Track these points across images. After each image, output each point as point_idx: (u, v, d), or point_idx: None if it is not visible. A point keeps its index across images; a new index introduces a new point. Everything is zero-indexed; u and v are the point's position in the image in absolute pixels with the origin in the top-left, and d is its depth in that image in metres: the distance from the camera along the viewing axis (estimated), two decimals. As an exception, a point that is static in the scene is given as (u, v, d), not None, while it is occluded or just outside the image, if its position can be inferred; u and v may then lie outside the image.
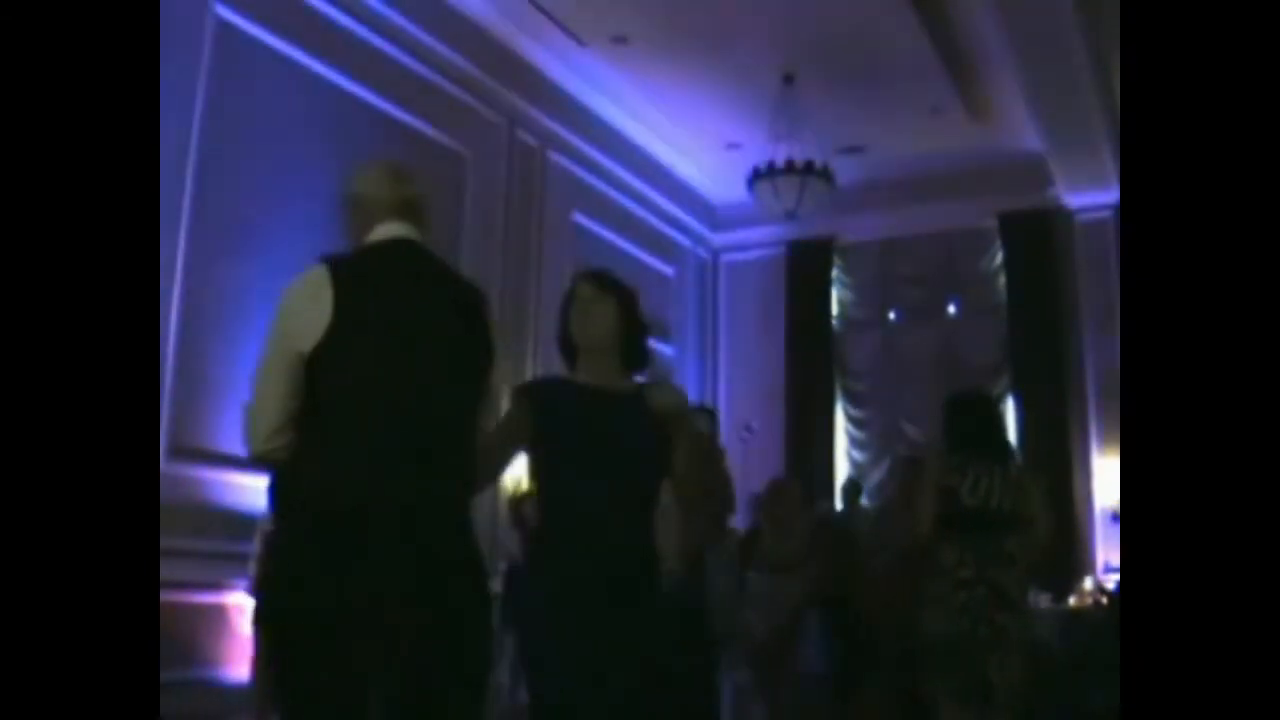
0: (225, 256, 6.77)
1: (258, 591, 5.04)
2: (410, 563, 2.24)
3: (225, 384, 6.37)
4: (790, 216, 10.32)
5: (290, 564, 2.28)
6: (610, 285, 3.15)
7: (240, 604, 6.30)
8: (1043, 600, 9.20)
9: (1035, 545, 4.35)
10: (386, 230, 2.52)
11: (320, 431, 2.31)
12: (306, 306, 2.32)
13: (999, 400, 11.74)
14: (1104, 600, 9.31)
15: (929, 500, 4.31)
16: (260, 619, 3.52)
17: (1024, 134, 10.66)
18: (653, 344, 10.53)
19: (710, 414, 6.74)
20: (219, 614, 6.42)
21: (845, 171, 10.71)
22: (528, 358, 9.72)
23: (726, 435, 10.24)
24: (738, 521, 6.77)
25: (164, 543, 5.79)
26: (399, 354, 2.35)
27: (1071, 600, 9.74)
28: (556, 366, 9.47)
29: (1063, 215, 11.71)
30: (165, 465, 6.28)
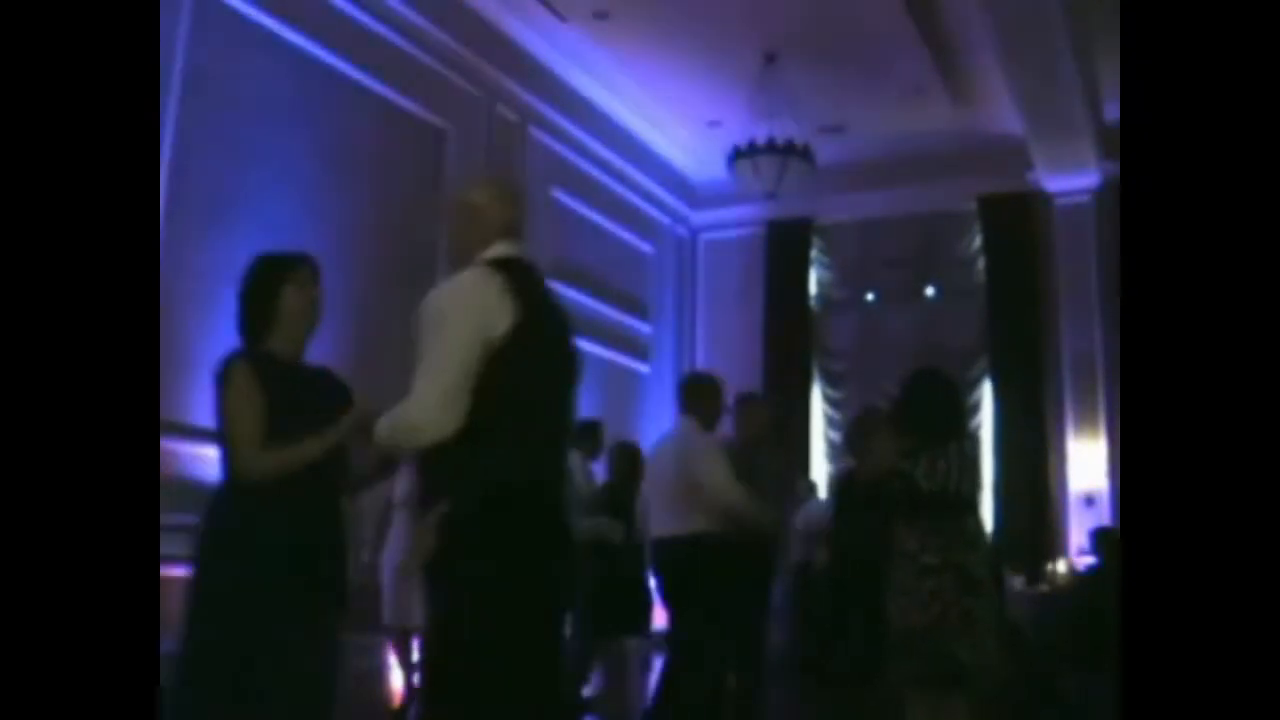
0: (204, 230, 6.72)
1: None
2: (559, 535, 2.67)
3: (207, 359, 6.31)
4: (770, 196, 10.31)
5: (485, 538, 2.52)
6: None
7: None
8: (1016, 583, 9.27)
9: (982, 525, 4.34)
10: (508, 248, 2.74)
11: (495, 421, 2.53)
12: (495, 305, 2.53)
13: (976, 382, 11.80)
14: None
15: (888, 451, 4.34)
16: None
17: (1004, 117, 10.67)
18: (631, 322, 10.51)
19: None
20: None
21: (826, 152, 10.70)
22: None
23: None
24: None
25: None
26: (547, 360, 2.66)
27: (1044, 585, 9.82)
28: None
29: (1042, 199, 11.74)
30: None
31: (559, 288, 10.81)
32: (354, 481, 3.18)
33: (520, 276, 2.65)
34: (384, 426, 2.59)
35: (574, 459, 7.20)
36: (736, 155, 10.12)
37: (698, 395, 5.35)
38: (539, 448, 2.65)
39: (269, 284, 3.05)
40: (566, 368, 2.76)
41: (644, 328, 12.51)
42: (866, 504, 4.87)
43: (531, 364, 2.58)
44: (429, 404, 2.48)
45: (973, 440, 4.57)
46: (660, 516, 5.10)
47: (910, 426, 4.39)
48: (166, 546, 6.10)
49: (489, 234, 2.74)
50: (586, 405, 10.29)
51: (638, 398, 12.04)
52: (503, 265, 2.66)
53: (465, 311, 2.53)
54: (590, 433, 7.35)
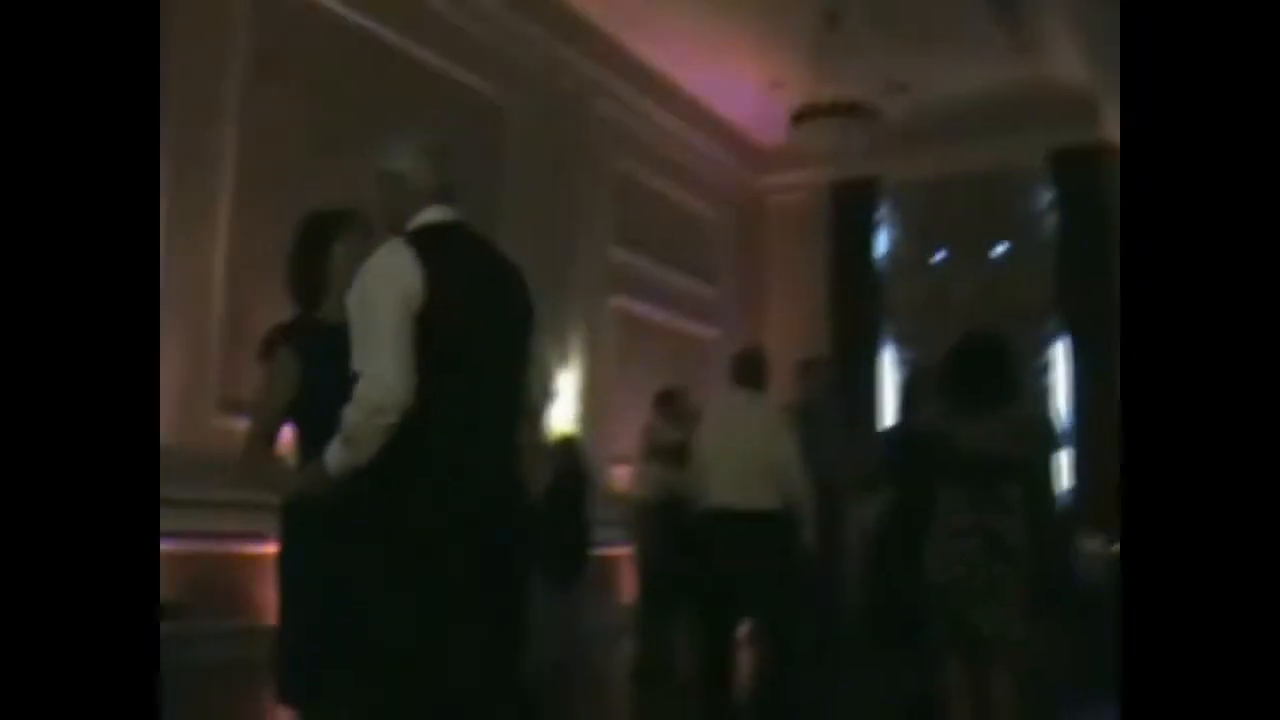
0: (268, 210, 6.80)
1: None
2: (509, 521, 2.57)
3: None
4: (834, 157, 10.19)
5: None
6: None
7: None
8: (1095, 544, 9.15)
9: (1040, 492, 4.25)
10: (435, 214, 2.64)
11: (430, 394, 2.43)
12: (408, 275, 2.44)
13: (1047, 341, 11.64)
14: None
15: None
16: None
17: (1074, 70, 10.42)
18: (697, 288, 10.39)
19: None
20: (266, 564, 6.48)
21: (890, 110, 10.53)
22: (569, 310, 9.72)
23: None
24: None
25: (212, 494, 5.84)
26: (478, 325, 2.54)
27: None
28: (603, 317, 9.38)
29: (1114, 153, 11.45)
30: (215, 418, 6.37)
31: (624, 256, 10.81)
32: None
33: (442, 243, 2.56)
34: (334, 454, 2.48)
35: (658, 422, 7.29)
36: (799, 117, 10.00)
37: (760, 369, 5.40)
38: (480, 416, 2.55)
39: (317, 243, 2.89)
40: (505, 329, 2.64)
41: (710, 293, 12.48)
42: (909, 464, 4.84)
43: (459, 331, 2.50)
44: (383, 379, 2.38)
45: (1031, 404, 4.49)
46: (741, 491, 5.07)
47: (955, 388, 4.33)
48: (242, 523, 6.21)
49: (417, 201, 2.64)
50: (657, 371, 10.28)
51: (705, 363, 12.02)
52: (424, 234, 2.57)
53: (384, 286, 2.43)
54: (671, 398, 7.39)
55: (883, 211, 12.84)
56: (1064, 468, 10.62)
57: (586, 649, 7.68)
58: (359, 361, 2.42)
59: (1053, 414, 9.84)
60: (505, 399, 2.64)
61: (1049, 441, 4.59)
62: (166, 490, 6.79)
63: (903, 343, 12.62)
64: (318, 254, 2.88)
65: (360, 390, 2.39)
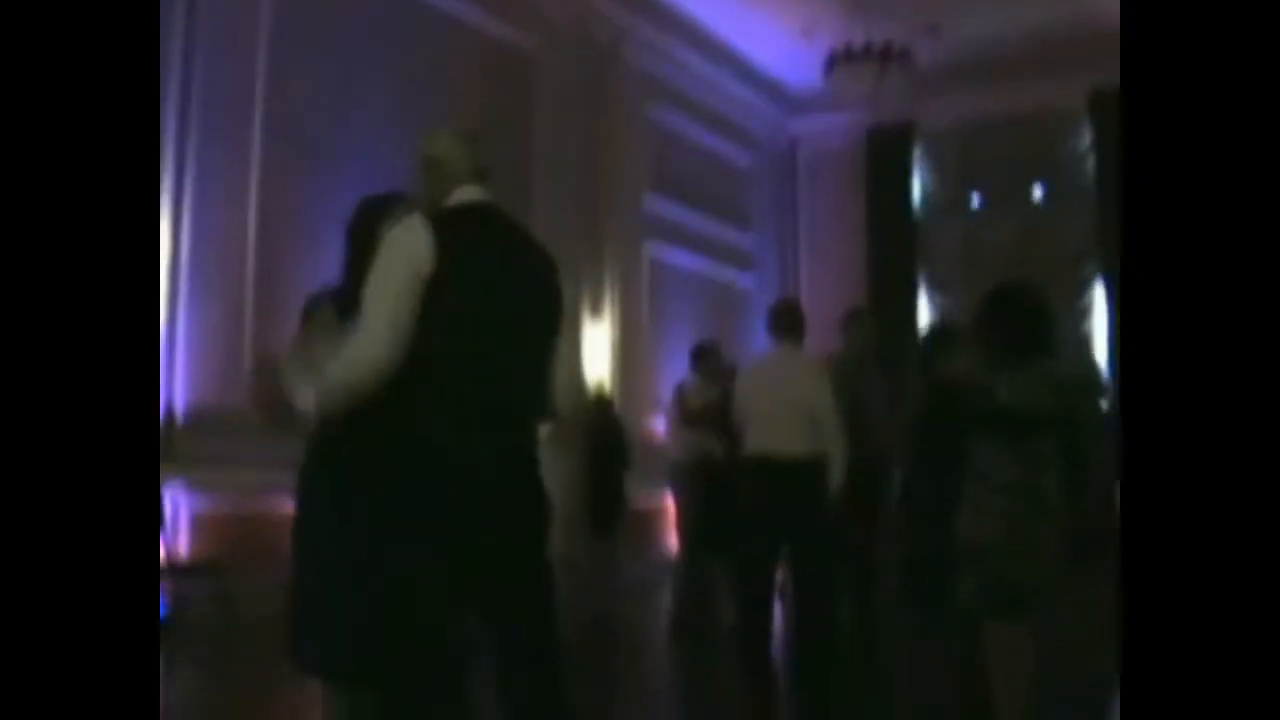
0: (297, 170, 6.82)
1: None
2: (510, 510, 2.57)
3: (303, 293, 6.44)
4: (869, 102, 10.06)
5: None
6: None
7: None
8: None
9: (1081, 446, 4.12)
10: (467, 193, 2.74)
11: (425, 380, 2.50)
12: (419, 246, 2.52)
13: (1086, 284, 11.51)
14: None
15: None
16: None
17: (1114, 8, 10.18)
18: (731, 236, 10.38)
19: None
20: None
21: (925, 53, 10.35)
22: (605, 265, 9.68)
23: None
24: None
25: (250, 451, 5.86)
26: (486, 300, 2.58)
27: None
28: (637, 265, 9.29)
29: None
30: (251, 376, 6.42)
31: (658, 204, 10.75)
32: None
33: (462, 218, 2.67)
34: (303, 390, 2.59)
35: (692, 380, 7.27)
36: (833, 61, 9.85)
37: (797, 321, 5.33)
38: (482, 385, 2.58)
39: (364, 224, 3.06)
40: (520, 309, 2.67)
41: (745, 241, 12.42)
42: (943, 417, 4.74)
43: (465, 298, 2.55)
44: (370, 337, 2.47)
45: (1072, 354, 4.35)
46: (778, 438, 5.04)
47: (992, 338, 4.22)
48: (268, 478, 6.24)
49: (450, 184, 2.77)
50: (691, 321, 10.23)
51: (741, 311, 11.98)
52: (446, 210, 2.69)
53: (393, 257, 2.54)
54: (707, 354, 7.36)
55: (918, 156, 12.69)
56: (1105, 420, 10.53)
57: (624, 603, 7.70)
58: (359, 321, 2.53)
59: (1095, 365, 9.72)
60: (514, 376, 2.66)
61: (1091, 394, 4.48)
62: (205, 447, 6.79)
63: (938, 290, 12.51)
64: (364, 235, 3.01)
65: (346, 346, 2.50)
